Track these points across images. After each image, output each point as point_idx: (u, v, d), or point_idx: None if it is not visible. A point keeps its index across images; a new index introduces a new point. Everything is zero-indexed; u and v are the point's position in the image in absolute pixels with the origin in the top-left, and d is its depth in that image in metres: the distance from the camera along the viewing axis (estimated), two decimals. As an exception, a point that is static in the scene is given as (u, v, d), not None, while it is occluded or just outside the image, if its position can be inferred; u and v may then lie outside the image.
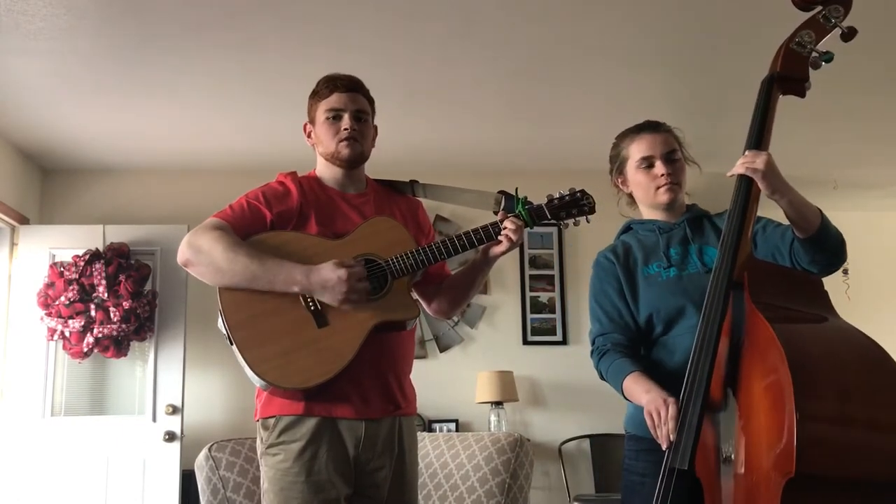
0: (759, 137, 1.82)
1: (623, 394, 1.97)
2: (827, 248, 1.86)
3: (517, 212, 2.08)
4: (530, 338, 5.22)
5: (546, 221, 2.11)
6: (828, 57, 1.83)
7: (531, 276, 5.29)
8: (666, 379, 1.89)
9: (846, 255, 1.90)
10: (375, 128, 2.24)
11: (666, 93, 4.11)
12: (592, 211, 2.12)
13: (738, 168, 1.80)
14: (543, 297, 5.28)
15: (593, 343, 2.09)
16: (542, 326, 5.24)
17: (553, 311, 5.25)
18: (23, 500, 4.30)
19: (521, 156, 5.08)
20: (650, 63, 3.81)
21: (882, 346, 1.56)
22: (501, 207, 2.11)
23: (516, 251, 2.16)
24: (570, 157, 5.02)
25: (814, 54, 1.84)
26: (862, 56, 3.69)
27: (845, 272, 5.85)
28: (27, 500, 4.30)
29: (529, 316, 5.25)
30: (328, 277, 1.94)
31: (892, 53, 3.72)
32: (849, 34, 1.81)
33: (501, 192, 2.14)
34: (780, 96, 1.88)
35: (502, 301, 5.27)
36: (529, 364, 5.15)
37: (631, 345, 2.03)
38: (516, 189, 2.14)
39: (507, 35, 3.50)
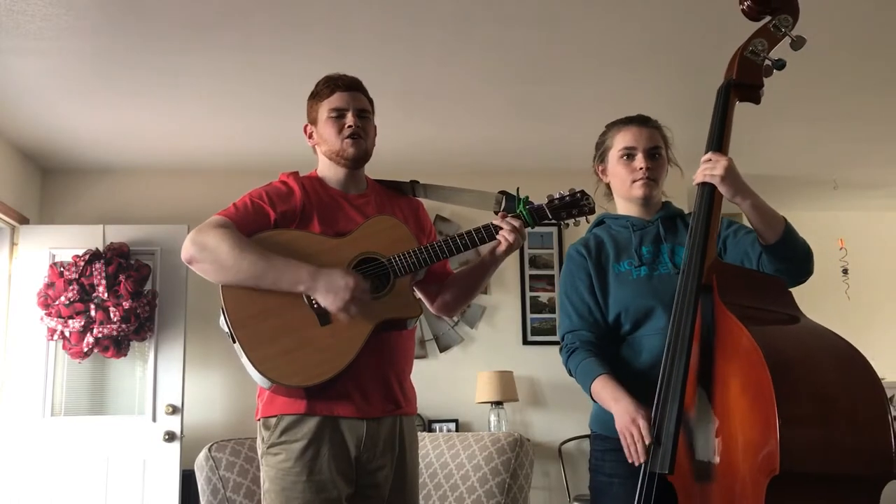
0: (718, 143, 1.85)
1: (591, 396, 1.98)
2: (792, 258, 1.87)
3: (518, 212, 2.09)
4: (530, 338, 5.22)
5: (547, 221, 2.12)
6: (780, 64, 1.86)
7: (531, 276, 5.30)
8: (632, 378, 1.90)
9: (812, 267, 1.90)
10: (375, 127, 2.24)
11: (665, 94, 4.11)
12: (592, 211, 2.14)
13: (699, 176, 1.83)
14: (543, 297, 5.28)
15: (562, 339, 2.09)
16: (542, 326, 5.24)
17: (553, 311, 5.24)
18: (23, 500, 4.30)
19: (521, 156, 5.08)
20: (650, 64, 3.81)
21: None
22: (502, 208, 2.12)
23: (516, 251, 2.18)
24: (570, 157, 5.01)
25: (766, 62, 1.88)
26: (861, 56, 3.70)
27: (845, 272, 5.85)
28: (27, 500, 4.30)
29: (529, 316, 5.25)
30: (335, 282, 1.94)
31: (891, 53, 3.72)
32: (798, 42, 1.85)
33: (502, 193, 2.14)
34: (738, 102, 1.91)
35: (502, 301, 5.27)
36: (529, 364, 5.15)
37: (599, 343, 2.03)
38: (517, 189, 2.15)
39: (507, 36, 3.50)
